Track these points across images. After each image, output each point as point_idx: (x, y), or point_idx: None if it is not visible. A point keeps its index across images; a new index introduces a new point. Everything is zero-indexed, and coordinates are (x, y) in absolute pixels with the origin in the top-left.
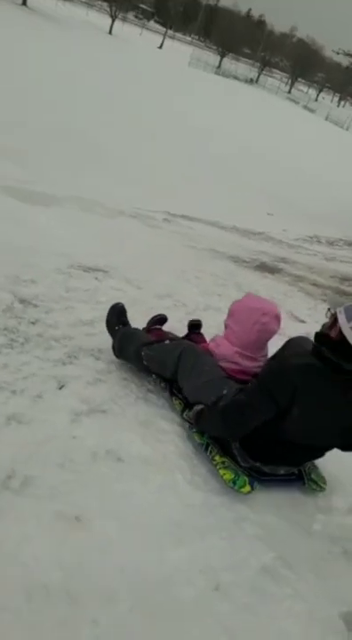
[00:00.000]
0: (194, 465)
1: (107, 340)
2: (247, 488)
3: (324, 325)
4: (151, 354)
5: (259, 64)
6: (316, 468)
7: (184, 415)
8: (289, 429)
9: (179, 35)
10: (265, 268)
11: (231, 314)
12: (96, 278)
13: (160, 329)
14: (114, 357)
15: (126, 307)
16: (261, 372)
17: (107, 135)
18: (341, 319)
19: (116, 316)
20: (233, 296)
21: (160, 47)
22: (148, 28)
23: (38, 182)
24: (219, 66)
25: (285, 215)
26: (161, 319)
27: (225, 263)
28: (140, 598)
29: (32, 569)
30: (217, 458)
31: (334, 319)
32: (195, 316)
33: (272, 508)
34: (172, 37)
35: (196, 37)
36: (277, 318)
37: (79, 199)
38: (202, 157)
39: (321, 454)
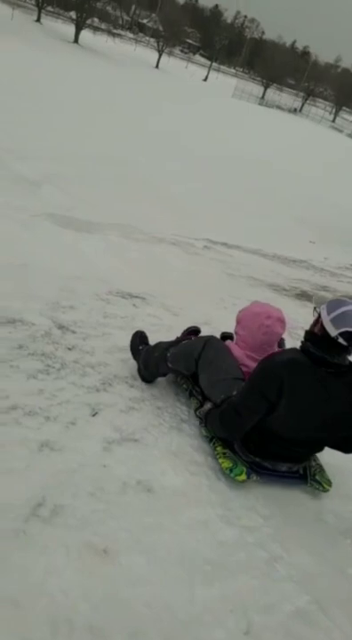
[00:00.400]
0: (227, 499)
1: None
2: (243, 477)
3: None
4: (176, 351)
5: (303, 94)
6: (322, 470)
7: (197, 413)
8: (276, 422)
9: (223, 67)
10: (305, 296)
11: (238, 321)
12: (134, 305)
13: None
14: (148, 386)
15: (163, 334)
16: (251, 372)
17: (149, 164)
18: (323, 314)
19: (139, 339)
20: None
21: (205, 80)
22: (193, 62)
23: (81, 209)
24: (262, 96)
25: (328, 243)
26: (195, 331)
27: (264, 291)
28: (167, 637)
29: (58, 601)
30: (219, 449)
31: (318, 316)
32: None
33: (306, 547)
34: (217, 70)
35: (241, 69)
36: (280, 321)
37: (120, 226)
38: (243, 185)
39: (315, 450)
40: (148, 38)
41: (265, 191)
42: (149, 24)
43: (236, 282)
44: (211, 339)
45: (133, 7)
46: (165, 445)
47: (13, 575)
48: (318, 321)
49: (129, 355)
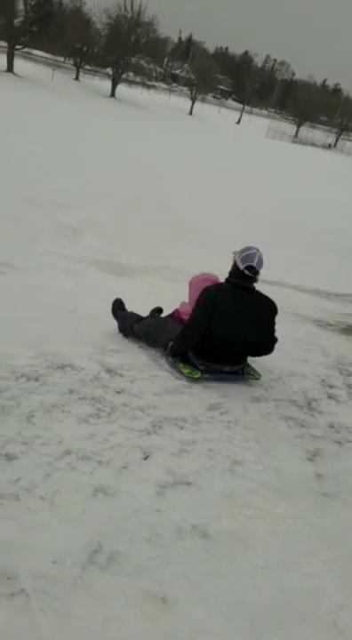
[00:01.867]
0: (285, 544)
1: (192, 409)
2: (198, 375)
3: None
4: (140, 327)
5: (336, 129)
6: (252, 368)
7: (165, 353)
8: (216, 328)
9: (256, 109)
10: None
11: (189, 285)
12: None
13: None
14: (198, 427)
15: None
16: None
17: (189, 206)
18: (236, 256)
19: (117, 306)
20: (318, 360)
21: (238, 122)
22: (226, 106)
23: (122, 254)
24: (296, 134)
25: None
26: (159, 309)
27: (308, 327)
28: None
29: None
30: (180, 364)
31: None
32: (279, 382)
33: None
34: (250, 112)
35: (273, 110)
36: (214, 281)
37: (161, 268)
38: (278, 219)
39: (245, 352)
40: (181, 87)
41: (300, 224)
42: (182, 74)
43: (279, 318)
44: (158, 319)
45: (166, 59)
46: (219, 488)
47: (74, 624)
48: (234, 262)
49: (177, 397)
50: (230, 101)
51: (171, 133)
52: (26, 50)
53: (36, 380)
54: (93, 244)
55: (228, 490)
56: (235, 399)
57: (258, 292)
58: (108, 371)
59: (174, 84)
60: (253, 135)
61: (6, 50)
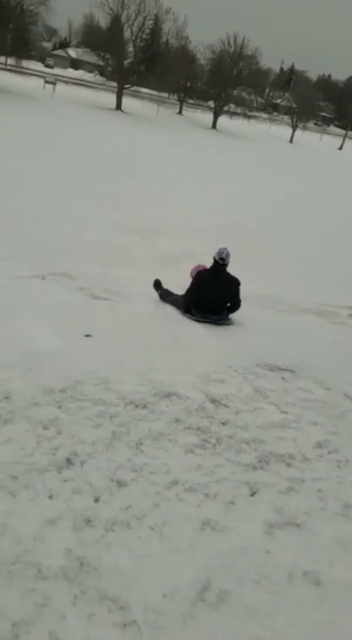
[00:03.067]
0: None
1: (299, 446)
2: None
3: None
4: (170, 300)
5: None
6: (229, 318)
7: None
8: (202, 295)
9: None
10: None
11: (190, 273)
12: (283, 378)
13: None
14: (306, 465)
15: (316, 410)
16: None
17: (287, 235)
18: (214, 254)
19: (157, 284)
20: None
21: (340, 148)
22: (327, 133)
23: None
24: None
25: None
26: (158, 282)
27: None
28: None
29: None
30: (188, 315)
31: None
32: None
33: None
34: None
35: None
36: (204, 267)
37: (262, 297)
38: None
39: (223, 307)
40: (281, 116)
41: None
42: (283, 103)
43: None
44: (177, 296)
45: (267, 90)
46: (331, 533)
47: None
48: (213, 257)
49: (284, 432)
50: (332, 128)
51: (270, 163)
52: (133, 88)
53: (144, 407)
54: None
55: (340, 535)
56: (343, 437)
57: (227, 272)
58: (213, 401)
59: (275, 114)
60: None
61: (116, 89)
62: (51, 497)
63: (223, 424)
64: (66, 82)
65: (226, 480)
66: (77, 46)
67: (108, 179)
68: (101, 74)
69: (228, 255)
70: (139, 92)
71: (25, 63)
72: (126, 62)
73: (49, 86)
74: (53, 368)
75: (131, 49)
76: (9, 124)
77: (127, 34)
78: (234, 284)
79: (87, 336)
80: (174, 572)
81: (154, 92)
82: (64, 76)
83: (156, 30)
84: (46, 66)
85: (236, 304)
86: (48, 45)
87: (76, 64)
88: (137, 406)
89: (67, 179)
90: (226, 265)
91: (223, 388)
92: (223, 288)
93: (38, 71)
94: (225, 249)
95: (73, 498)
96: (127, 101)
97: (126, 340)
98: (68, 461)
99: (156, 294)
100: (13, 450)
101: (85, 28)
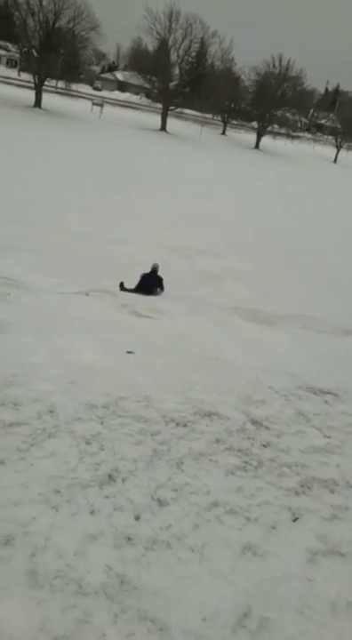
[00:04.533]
0: None
1: (343, 472)
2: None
3: None
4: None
5: None
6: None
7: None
8: (144, 284)
9: None
10: None
11: (140, 274)
12: (326, 402)
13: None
14: (351, 492)
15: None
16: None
17: (332, 256)
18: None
19: (121, 286)
20: None
21: None
22: None
23: (263, 302)
24: None
25: None
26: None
27: None
28: None
29: None
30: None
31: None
32: None
33: None
34: None
35: None
36: (146, 272)
37: (303, 318)
38: None
39: (154, 290)
40: (325, 136)
41: None
42: (327, 123)
43: None
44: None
45: (312, 110)
46: None
47: None
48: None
49: (327, 457)
50: None
51: (315, 183)
52: (178, 110)
53: (185, 426)
54: (233, 291)
55: None
56: None
57: (156, 274)
58: (254, 422)
59: (319, 134)
60: None
61: (161, 111)
62: (92, 513)
63: (264, 446)
64: (112, 104)
65: (267, 504)
66: (125, 69)
67: (149, 196)
68: (147, 96)
69: (157, 267)
70: (183, 113)
71: (74, 86)
72: (172, 84)
73: (96, 108)
74: (96, 383)
75: (176, 71)
76: (58, 145)
77: (173, 57)
78: (159, 279)
79: (129, 353)
80: (215, 596)
81: (198, 114)
82: (111, 98)
83: (201, 53)
84: (94, 88)
85: (161, 288)
86: (96, 69)
87: (122, 86)
88: (178, 425)
89: (108, 198)
90: (156, 271)
91: (264, 409)
92: (154, 282)
93: (87, 94)
94: (157, 264)
95: (114, 515)
96: (171, 122)
97: (167, 357)
98: (110, 478)
99: (196, 312)
100: (57, 464)
101: (133, 51)
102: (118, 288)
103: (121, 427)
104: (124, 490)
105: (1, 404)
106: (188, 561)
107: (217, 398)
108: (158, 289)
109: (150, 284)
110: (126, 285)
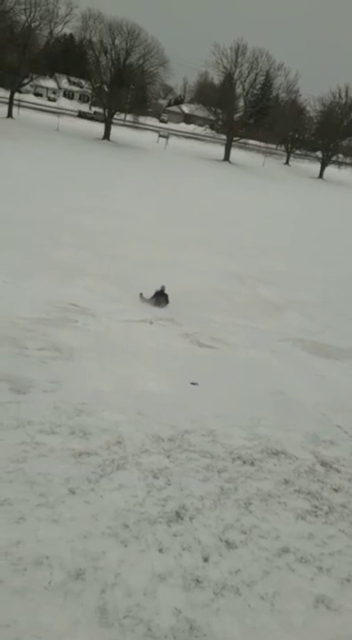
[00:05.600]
0: None
1: None
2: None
3: None
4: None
5: None
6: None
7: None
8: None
9: None
10: None
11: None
12: None
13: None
14: None
15: None
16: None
17: None
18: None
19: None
20: None
21: None
22: None
23: (327, 334)
24: None
25: None
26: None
27: None
28: None
29: None
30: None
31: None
32: None
33: None
34: None
35: None
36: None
37: None
38: None
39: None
40: None
41: None
42: None
43: None
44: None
45: None
46: None
47: None
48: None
49: None
50: None
51: None
52: (241, 140)
53: (252, 464)
54: (295, 322)
55: None
56: None
57: (164, 292)
58: (324, 464)
59: None
60: None
61: (225, 142)
62: (161, 551)
63: (335, 490)
64: (178, 135)
65: (340, 554)
66: (190, 102)
67: (210, 224)
68: (212, 127)
69: (164, 287)
70: (246, 143)
71: (141, 119)
72: (236, 116)
73: (162, 139)
74: (161, 414)
75: (241, 103)
76: (124, 175)
77: (239, 90)
78: (166, 296)
79: (193, 384)
80: None
81: (261, 144)
82: (177, 130)
83: (266, 85)
84: (161, 121)
85: (167, 302)
86: (163, 102)
87: (188, 119)
88: (244, 462)
89: (169, 226)
90: (163, 290)
91: (333, 450)
92: (163, 297)
93: (153, 126)
94: (163, 285)
95: (182, 554)
96: (234, 152)
97: (231, 390)
98: (178, 515)
99: (258, 343)
100: (125, 497)
101: (199, 85)
102: (140, 297)
103: (187, 461)
104: (191, 529)
105: (71, 432)
106: (258, 610)
107: (284, 436)
108: (165, 302)
109: (161, 298)
110: (144, 296)
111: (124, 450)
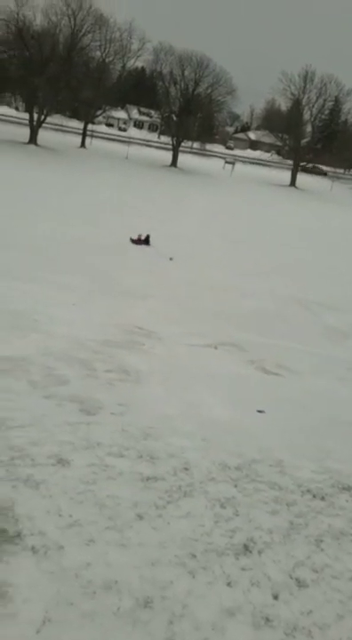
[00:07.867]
0: None
1: None
2: None
3: None
4: None
5: None
6: None
7: None
8: None
9: None
10: None
11: None
12: None
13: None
14: None
15: None
16: None
17: None
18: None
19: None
20: None
21: None
22: None
23: None
24: None
25: None
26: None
27: None
28: None
29: None
30: None
31: None
32: None
33: None
34: None
35: None
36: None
37: None
38: None
39: None
40: None
41: None
42: None
43: None
44: None
45: None
46: None
47: None
48: None
49: None
50: None
51: None
52: (310, 165)
53: (322, 499)
54: None
55: None
56: None
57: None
58: None
59: None
60: None
61: (291, 167)
62: (229, 584)
63: None
64: (244, 161)
65: None
66: (257, 129)
67: (273, 249)
68: (278, 153)
69: (149, 236)
70: (316, 167)
71: (208, 146)
72: (303, 141)
73: (228, 166)
74: (228, 442)
75: (309, 129)
76: (191, 200)
77: (307, 115)
78: (148, 238)
79: (260, 412)
80: None
81: (329, 169)
82: (243, 156)
83: (335, 110)
84: (227, 147)
85: (148, 244)
86: (230, 129)
87: (254, 145)
88: (315, 497)
89: (233, 251)
90: (148, 238)
91: None
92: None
93: (219, 152)
94: (148, 234)
95: (251, 590)
96: (301, 178)
97: (298, 419)
98: (246, 548)
99: (325, 371)
100: (192, 526)
101: (266, 112)
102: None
103: (255, 492)
104: (260, 563)
105: (139, 455)
106: None
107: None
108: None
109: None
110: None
111: (191, 477)
